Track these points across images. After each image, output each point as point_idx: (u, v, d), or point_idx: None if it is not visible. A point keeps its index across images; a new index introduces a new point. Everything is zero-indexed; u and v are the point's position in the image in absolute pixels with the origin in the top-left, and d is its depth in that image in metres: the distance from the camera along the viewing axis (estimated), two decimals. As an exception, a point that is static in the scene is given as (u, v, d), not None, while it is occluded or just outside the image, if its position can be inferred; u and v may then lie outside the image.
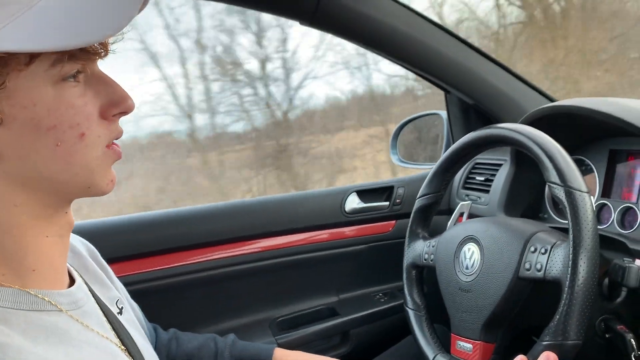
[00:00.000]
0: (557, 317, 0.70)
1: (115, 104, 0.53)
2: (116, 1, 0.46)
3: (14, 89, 0.46)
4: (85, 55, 0.49)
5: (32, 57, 0.45)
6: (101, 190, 0.54)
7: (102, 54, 0.52)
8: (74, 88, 0.49)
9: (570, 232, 0.71)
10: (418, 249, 1.00)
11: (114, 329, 0.62)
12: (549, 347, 0.69)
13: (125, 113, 0.55)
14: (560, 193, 0.74)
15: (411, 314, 0.99)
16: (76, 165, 0.50)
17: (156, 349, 0.91)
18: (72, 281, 0.60)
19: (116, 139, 0.55)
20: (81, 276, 0.65)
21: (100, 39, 0.45)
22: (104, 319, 0.62)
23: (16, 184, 0.49)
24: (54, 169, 0.50)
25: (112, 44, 0.53)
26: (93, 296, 0.63)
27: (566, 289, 0.69)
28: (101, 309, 0.63)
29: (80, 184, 0.52)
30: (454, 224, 1.06)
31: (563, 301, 0.70)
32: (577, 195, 0.72)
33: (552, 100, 1.35)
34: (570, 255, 0.70)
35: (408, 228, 1.03)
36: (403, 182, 1.55)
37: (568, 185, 0.73)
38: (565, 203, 0.73)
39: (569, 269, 0.70)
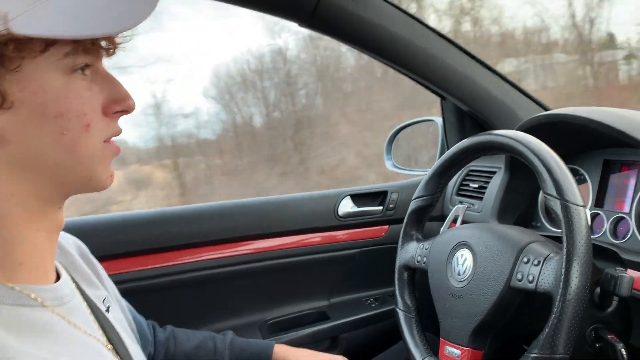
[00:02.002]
0: (547, 330, 0.70)
1: (118, 101, 0.54)
2: None
3: (26, 74, 0.46)
4: (95, 51, 0.51)
5: (47, 45, 0.46)
6: (101, 184, 0.55)
7: (111, 51, 0.53)
8: (82, 80, 0.50)
9: (564, 246, 0.71)
10: (411, 251, 1.00)
11: (101, 326, 0.61)
12: None
13: (126, 112, 0.56)
14: (556, 206, 0.74)
15: (401, 315, 0.98)
16: (79, 155, 0.51)
17: (154, 347, 0.91)
18: (58, 278, 0.59)
19: (115, 136, 0.56)
20: (69, 273, 0.64)
21: (115, 32, 0.47)
22: (91, 316, 0.61)
23: (17, 171, 0.49)
24: (57, 157, 0.50)
25: (120, 44, 0.54)
26: (81, 293, 0.63)
27: (557, 303, 0.69)
28: (88, 306, 0.62)
29: (82, 174, 0.53)
30: (448, 228, 1.06)
31: (553, 315, 0.69)
32: (573, 209, 0.72)
33: (546, 109, 1.35)
34: (563, 270, 0.70)
35: (402, 229, 1.03)
36: (397, 187, 1.55)
37: (564, 199, 0.73)
38: (561, 216, 0.73)
39: (561, 283, 0.69)
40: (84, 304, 0.61)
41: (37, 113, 0.48)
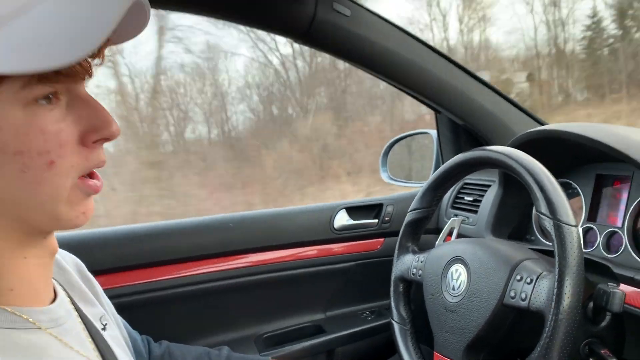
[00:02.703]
0: (539, 349, 0.70)
1: (97, 129, 0.50)
2: (88, 24, 0.43)
3: None
4: (61, 78, 0.46)
5: None
6: (71, 223, 0.51)
7: (82, 76, 0.48)
8: (49, 112, 0.46)
9: (557, 265, 0.71)
10: (407, 263, 1.00)
11: (97, 347, 0.61)
12: None
13: (107, 139, 0.51)
14: (548, 225, 0.74)
15: (396, 327, 0.99)
16: (42, 194, 0.47)
17: None
18: (55, 297, 0.59)
19: (96, 168, 0.52)
20: (66, 292, 0.64)
21: (68, 63, 0.42)
22: (87, 337, 0.60)
23: None
24: (19, 195, 0.47)
25: (96, 65, 0.50)
26: (77, 312, 0.62)
27: (549, 322, 0.70)
28: (85, 325, 0.62)
29: (47, 214, 0.49)
30: (444, 241, 1.07)
31: (545, 334, 0.70)
32: (566, 230, 0.72)
33: (541, 123, 1.37)
34: (555, 290, 0.70)
35: (398, 241, 1.03)
36: (392, 200, 1.55)
37: (557, 219, 0.73)
38: (553, 236, 0.73)
39: (553, 302, 0.70)
40: (80, 324, 0.61)
41: None
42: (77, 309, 0.63)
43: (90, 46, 0.42)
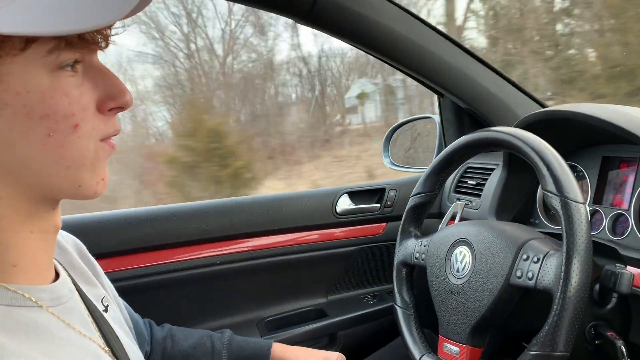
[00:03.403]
0: (546, 327, 0.70)
1: (113, 97, 0.51)
2: None
3: (7, 73, 0.44)
4: (84, 45, 0.47)
5: (27, 42, 0.44)
6: (92, 190, 0.52)
7: (103, 44, 0.50)
8: (71, 77, 0.48)
9: (564, 243, 0.71)
10: (409, 248, 1.00)
11: (98, 327, 0.61)
12: (536, 357, 0.69)
13: (122, 108, 0.53)
14: (555, 202, 0.74)
15: (399, 312, 0.98)
16: (67, 158, 0.48)
17: (151, 346, 0.90)
18: (57, 277, 0.58)
19: (113, 135, 0.53)
20: (67, 272, 0.63)
21: (97, 27, 0.43)
22: (88, 317, 0.60)
23: (3, 173, 0.47)
24: (44, 161, 0.47)
25: (114, 35, 0.51)
26: (79, 293, 0.62)
27: (557, 300, 0.69)
28: (86, 306, 0.61)
29: (70, 179, 0.50)
30: (447, 225, 1.06)
31: (553, 312, 0.69)
32: (573, 207, 0.72)
33: (543, 105, 1.35)
34: (563, 267, 0.69)
35: (400, 226, 1.03)
36: (395, 184, 1.54)
37: (564, 196, 0.72)
38: (561, 213, 0.73)
39: (561, 280, 0.69)
40: (82, 304, 0.60)
41: (22, 114, 0.45)
42: (79, 289, 0.63)
43: (116, 14, 0.43)
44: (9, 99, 0.44)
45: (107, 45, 0.51)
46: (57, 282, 0.56)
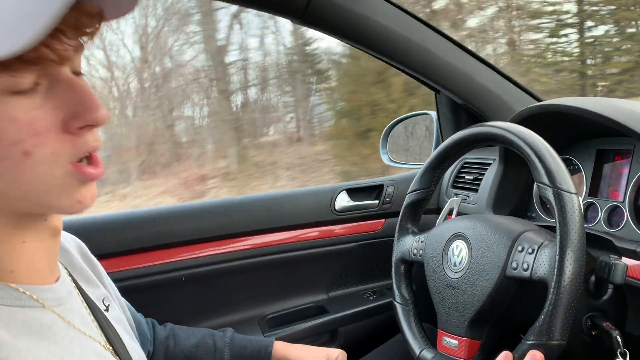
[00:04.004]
0: (542, 317, 0.70)
1: (80, 115, 0.47)
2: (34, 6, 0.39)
3: None
4: (27, 66, 0.43)
5: None
6: (64, 211, 0.50)
7: (56, 60, 0.45)
8: (21, 100, 0.44)
9: (558, 233, 0.72)
10: (407, 244, 1.00)
11: (100, 326, 0.61)
12: (533, 347, 0.70)
13: (94, 126, 0.48)
14: (548, 194, 0.74)
15: (399, 308, 0.99)
16: (24, 184, 0.45)
17: (153, 345, 0.91)
18: (59, 277, 0.59)
19: (86, 154, 0.49)
20: (68, 273, 0.64)
21: (12, 53, 0.38)
22: (90, 317, 0.61)
23: None
24: (3, 185, 0.45)
25: (77, 47, 0.47)
26: (80, 293, 0.63)
27: (552, 289, 0.70)
28: (88, 305, 0.62)
29: (34, 202, 0.48)
30: (444, 220, 1.07)
31: (548, 302, 0.70)
32: (566, 197, 0.72)
33: (539, 100, 1.36)
34: (557, 257, 0.70)
35: (398, 223, 1.04)
36: (393, 180, 1.55)
37: (557, 187, 0.73)
38: (554, 204, 0.73)
39: (555, 270, 0.70)
40: (83, 304, 0.61)
41: None
42: (80, 290, 0.64)
43: (32, 37, 0.38)
44: None
45: (66, 60, 0.46)
46: (57, 282, 0.57)
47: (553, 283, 0.69)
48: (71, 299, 0.58)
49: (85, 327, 0.58)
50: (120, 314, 0.74)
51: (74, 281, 0.64)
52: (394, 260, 1.03)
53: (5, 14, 0.39)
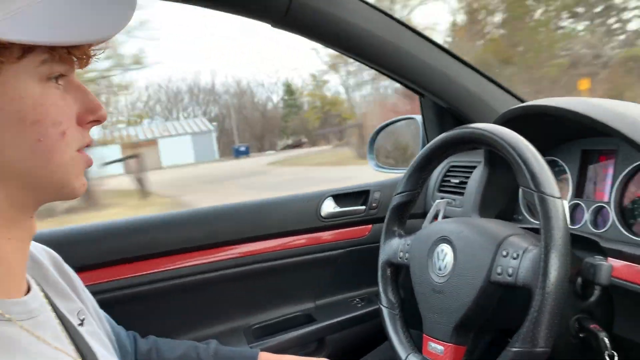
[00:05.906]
0: (527, 323, 0.69)
1: (92, 111, 0.55)
2: (111, 8, 0.51)
3: (4, 81, 0.47)
4: (70, 60, 0.52)
5: (24, 52, 0.47)
6: (73, 192, 0.55)
7: (84, 62, 0.54)
8: (56, 89, 0.52)
9: (542, 238, 0.71)
10: (394, 247, 0.99)
11: (73, 342, 0.60)
12: (517, 354, 0.69)
13: (98, 122, 0.57)
14: (533, 198, 0.74)
15: (385, 312, 0.98)
16: (54, 163, 0.51)
17: (135, 358, 0.89)
18: (28, 290, 0.58)
19: (87, 146, 0.56)
20: (40, 287, 0.63)
21: (93, 40, 0.50)
22: (62, 332, 0.60)
23: None
24: (32, 164, 0.50)
25: (94, 56, 0.56)
26: (52, 307, 0.62)
27: (536, 295, 0.69)
28: (60, 320, 0.61)
29: (55, 182, 0.53)
30: (430, 223, 1.06)
31: (532, 308, 0.69)
32: (550, 201, 0.71)
33: (522, 101, 1.36)
34: (541, 263, 0.69)
35: (384, 226, 1.02)
36: (379, 186, 1.54)
37: (541, 191, 0.72)
38: (538, 208, 0.73)
39: (540, 276, 0.69)
40: (55, 318, 0.60)
41: (15, 120, 0.48)
42: (52, 304, 0.63)
43: (112, 29, 0.50)
44: (4, 103, 0.48)
45: (88, 63, 0.55)
46: (28, 295, 0.56)
47: (537, 289, 0.68)
48: (42, 313, 0.57)
49: (55, 341, 0.57)
50: (96, 328, 0.72)
51: (46, 295, 0.62)
52: (380, 263, 1.02)
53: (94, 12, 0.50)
